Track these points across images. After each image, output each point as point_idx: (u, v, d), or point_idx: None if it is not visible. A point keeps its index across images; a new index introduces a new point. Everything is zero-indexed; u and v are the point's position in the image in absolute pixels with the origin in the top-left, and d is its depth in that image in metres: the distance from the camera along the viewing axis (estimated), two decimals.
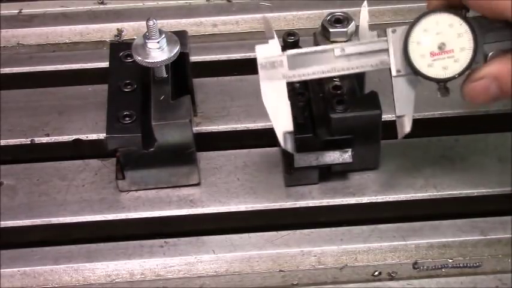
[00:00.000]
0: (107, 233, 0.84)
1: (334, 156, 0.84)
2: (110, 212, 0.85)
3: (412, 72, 0.75)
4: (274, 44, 0.76)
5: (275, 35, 0.76)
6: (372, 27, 1.01)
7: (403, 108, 0.77)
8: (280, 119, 0.78)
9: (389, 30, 0.75)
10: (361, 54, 0.76)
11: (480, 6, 0.72)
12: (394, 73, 0.76)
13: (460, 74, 0.75)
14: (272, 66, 0.76)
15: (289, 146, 0.78)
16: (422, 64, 0.75)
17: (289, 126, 0.78)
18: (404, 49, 0.75)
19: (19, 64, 0.99)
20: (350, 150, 0.84)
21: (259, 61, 0.76)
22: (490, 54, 0.75)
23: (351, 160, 0.84)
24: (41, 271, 0.81)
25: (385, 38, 0.76)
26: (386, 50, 0.76)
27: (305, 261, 0.82)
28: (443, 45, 0.74)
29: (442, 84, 0.76)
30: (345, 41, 0.81)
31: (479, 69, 0.74)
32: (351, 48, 0.76)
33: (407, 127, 0.77)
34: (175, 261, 0.82)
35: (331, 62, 0.76)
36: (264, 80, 0.76)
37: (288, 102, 0.77)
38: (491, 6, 0.71)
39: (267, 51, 0.76)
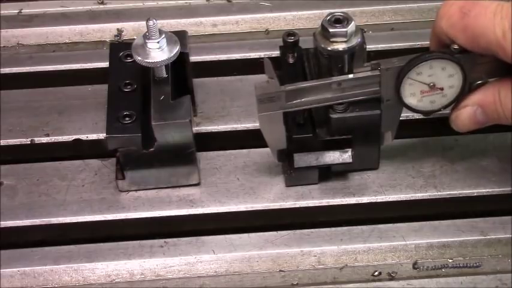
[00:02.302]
0: (107, 233, 0.84)
1: (334, 157, 0.84)
2: (110, 212, 0.85)
3: (402, 105, 0.80)
4: (274, 83, 0.78)
5: (275, 76, 0.78)
6: (371, 27, 1.02)
7: (388, 125, 0.82)
8: (276, 141, 0.82)
9: (383, 69, 0.78)
10: (355, 86, 0.79)
11: (469, 44, 0.75)
12: (383, 101, 0.80)
13: (446, 107, 0.80)
14: (270, 101, 0.79)
15: (283, 159, 0.84)
16: (412, 100, 0.79)
17: (283, 146, 0.82)
18: (396, 89, 0.79)
19: (19, 64, 0.99)
20: (350, 150, 0.84)
21: (257, 97, 0.79)
22: (476, 83, 0.79)
23: (350, 160, 0.84)
24: (41, 271, 0.81)
25: (378, 73, 0.78)
26: (378, 83, 0.79)
27: (305, 261, 0.82)
28: (434, 84, 0.78)
29: None
30: (344, 41, 0.81)
31: (465, 99, 0.79)
32: (347, 82, 0.79)
33: (390, 140, 0.83)
34: (175, 261, 0.82)
35: (327, 93, 0.79)
36: (261, 111, 0.79)
37: (283, 126, 0.81)
38: (478, 43, 0.74)
39: (266, 89, 0.78)
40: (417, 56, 0.77)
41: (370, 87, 0.79)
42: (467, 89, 0.79)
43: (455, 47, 0.76)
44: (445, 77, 0.78)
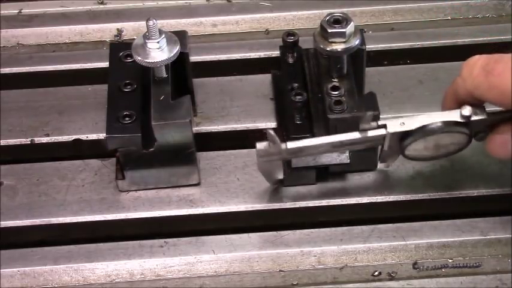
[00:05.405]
0: (107, 233, 0.84)
1: (331, 157, 0.84)
2: (110, 212, 0.85)
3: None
4: (276, 147, 0.78)
5: (278, 142, 0.77)
6: (371, 27, 1.02)
7: (387, 159, 0.82)
8: (272, 177, 0.83)
9: (388, 133, 0.77)
10: (355, 143, 0.79)
11: (498, 101, 0.74)
12: (385, 149, 0.79)
13: (447, 156, 0.80)
14: (270, 156, 0.79)
15: (277, 182, 0.85)
16: (415, 154, 0.79)
17: (280, 177, 0.84)
18: (401, 150, 0.78)
19: (19, 64, 0.99)
20: (347, 151, 0.84)
21: (258, 153, 0.79)
22: (479, 135, 0.78)
23: (348, 161, 0.84)
24: (41, 271, 0.81)
25: (380, 133, 0.78)
26: (380, 140, 0.78)
27: (305, 261, 0.82)
28: (438, 145, 0.78)
29: None
30: (343, 42, 0.81)
31: (502, 124, 0.77)
32: (347, 140, 0.78)
33: (388, 167, 0.84)
34: (175, 261, 0.82)
35: (327, 149, 0.79)
36: (261, 163, 0.80)
37: (282, 167, 0.82)
38: (508, 100, 0.72)
39: (267, 151, 0.78)
40: (426, 126, 0.76)
41: (373, 143, 0.79)
42: (471, 142, 0.79)
43: (466, 113, 0.76)
44: (451, 139, 0.78)
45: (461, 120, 0.76)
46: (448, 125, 0.76)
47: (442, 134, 0.77)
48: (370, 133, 0.78)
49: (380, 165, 0.85)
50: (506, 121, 0.77)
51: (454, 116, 0.76)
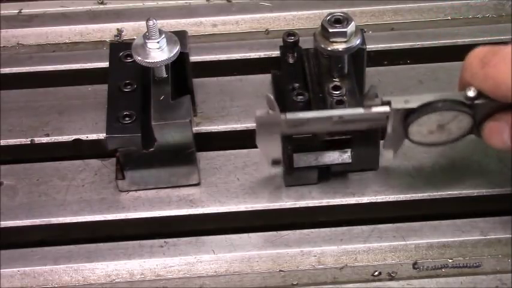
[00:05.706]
0: (107, 233, 0.84)
1: (333, 157, 0.84)
2: (110, 212, 0.85)
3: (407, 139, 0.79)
4: (275, 114, 0.77)
5: (277, 108, 0.77)
6: (371, 27, 1.02)
7: (391, 145, 0.80)
8: (270, 153, 0.81)
9: (392, 110, 0.76)
10: (357, 119, 0.77)
11: (493, 93, 0.74)
12: (389, 131, 0.78)
13: (451, 142, 0.79)
14: (270, 126, 0.78)
15: (277, 165, 0.82)
16: (419, 138, 0.78)
17: (278, 156, 0.81)
18: (404, 129, 0.77)
19: (19, 64, 0.99)
20: (349, 150, 0.84)
21: (257, 121, 0.77)
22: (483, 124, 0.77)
23: (350, 160, 0.84)
24: (41, 271, 0.81)
25: (384, 109, 0.77)
26: (383, 120, 0.77)
27: (305, 261, 0.82)
28: (442, 126, 0.77)
29: None
30: (344, 41, 0.81)
31: (501, 113, 0.76)
32: (348, 116, 0.77)
33: (390, 158, 0.82)
34: (175, 261, 0.82)
35: (328, 125, 0.78)
36: (260, 133, 0.78)
37: (280, 144, 0.80)
38: (501, 91, 0.73)
39: (266, 119, 0.77)
40: (429, 104, 0.76)
41: (376, 123, 0.78)
42: (475, 128, 0.78)
43: (470, 95, 0.75)
44: (455, 122, 0.77)
45: (466, 101, 0.76)
46: (453, 103, 0.76)
47: (446, 113, 0.76)
48: (374, 109, 0.77)
49: (385, 155, 0.82)
50: (505, 109, 0.76)
51: (458, 97, 0.76)
